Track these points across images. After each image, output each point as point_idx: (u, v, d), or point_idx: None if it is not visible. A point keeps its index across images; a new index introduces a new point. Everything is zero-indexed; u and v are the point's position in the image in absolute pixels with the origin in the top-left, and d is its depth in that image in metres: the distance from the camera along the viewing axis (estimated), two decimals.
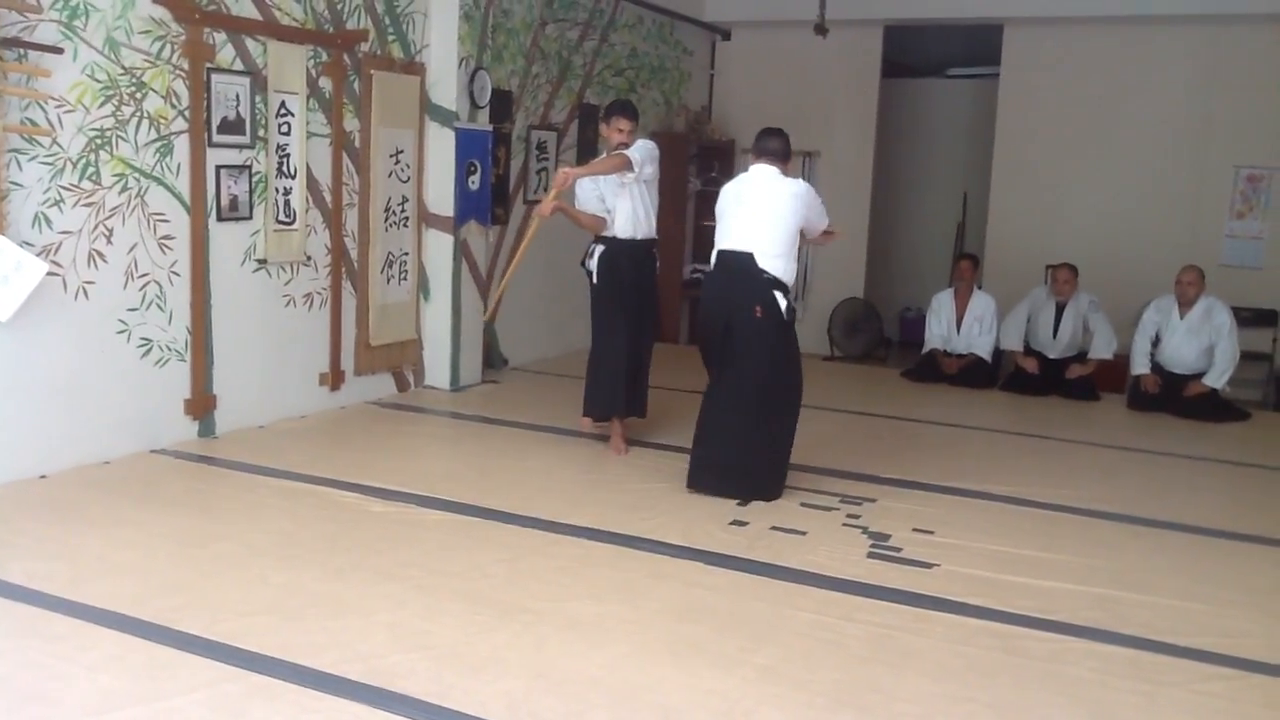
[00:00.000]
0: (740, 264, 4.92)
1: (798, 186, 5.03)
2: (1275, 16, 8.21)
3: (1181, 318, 7.34)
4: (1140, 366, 7.45)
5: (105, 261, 4.97)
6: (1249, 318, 8.21)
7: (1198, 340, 7.29)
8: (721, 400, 5.00)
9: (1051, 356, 7.83)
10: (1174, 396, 7.26)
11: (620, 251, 5.62)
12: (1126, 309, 8.17)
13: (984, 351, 7.97)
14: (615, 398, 5.67)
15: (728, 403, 4.97)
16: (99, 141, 4.88)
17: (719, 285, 5.03)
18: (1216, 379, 7.19)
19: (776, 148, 5.05)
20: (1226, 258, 8.70)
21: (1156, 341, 7.46)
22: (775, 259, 4.90)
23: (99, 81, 4.85)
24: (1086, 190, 9.14)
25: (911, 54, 10.49)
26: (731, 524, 4.64)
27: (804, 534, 4.55)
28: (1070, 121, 9.13)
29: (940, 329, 8.15)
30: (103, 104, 4.88)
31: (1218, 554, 4.57)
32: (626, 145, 5.46)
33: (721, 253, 5.02)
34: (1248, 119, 8.60)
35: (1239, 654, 3.55)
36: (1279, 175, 8.60)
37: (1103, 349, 7.72)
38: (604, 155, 5.60)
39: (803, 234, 5.10)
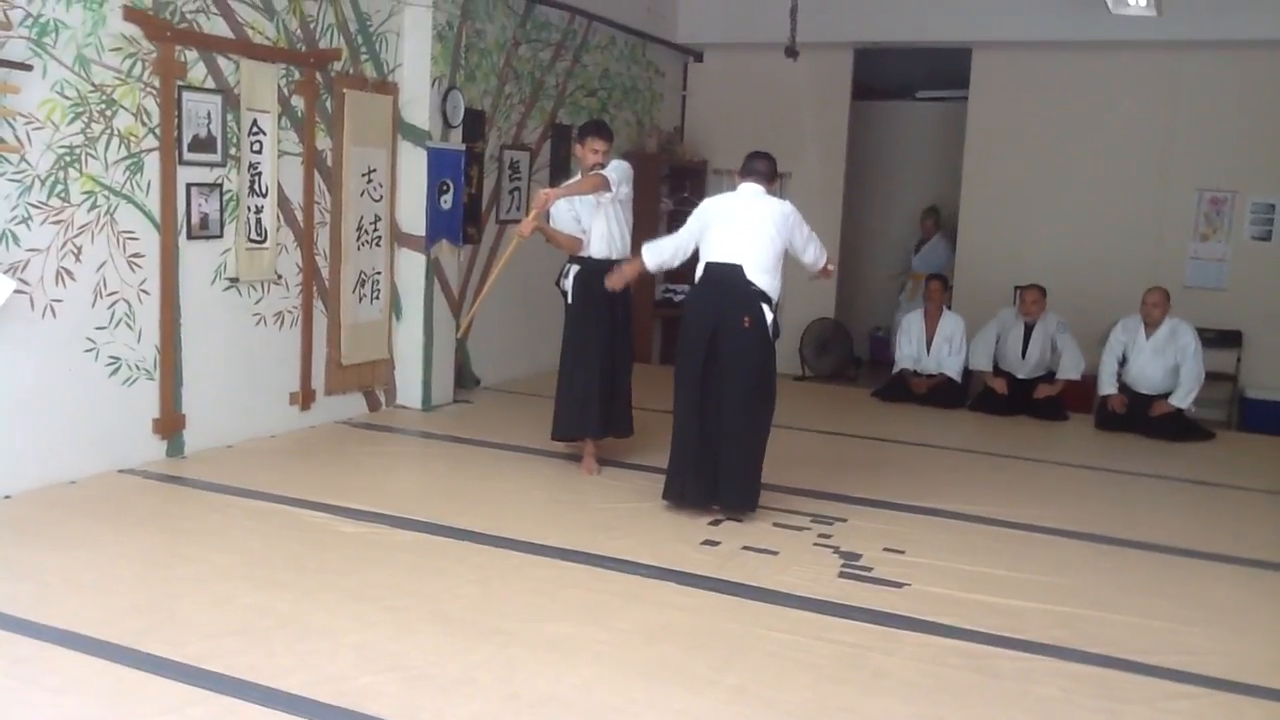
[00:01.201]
0: (729, 276, 4.99)
1: (785, 206, 5.16)
2: (1235, 43, 8.36)
3: (1148, 338, 7.43)
4: (1107, 387, 7.53)
5: (74, 279, 4.94)
6: (1213, 338, 8.31)
7: (1163, 360, 7.38)
8: (700, 412, 5.01)
9: (1020, 377, 7.91)
10: (1141, 416, 7.34)
11: (595, 271, 5.62)
12: (1093, 329, 8.27)
13: (953, 372, 8.03)
14: (584, 419, 5.68)
15: (707, 414, 4.99)
16: (68, 159, 4.85)
17: (706, 297, 5.09)
18: (1182, 399, 7.28)
19: (763, 168, 5.20)
20: (1191, 279, 8.82)
21: (1123, 362, 7.55)
22: (762, 273, 4.99)
23: (68, 98, 4.82)
24: (1054, 212, 9.24)
25: (881, 77, 10.59)
26: (703, 544, 4.65)
27: (776, 554, 4.57)
28: (1037, 144, 9.24)
29: (910, 349, 8.21)
30: (72, 121, 4.85)
31: (1183, 573, 4.62)
32: (601, 166, 5.48)
33: (709, 265, 5.09)
34: (1209, 143, 8.74)
35: (1203, 672, 3.59)
36: (1240, 198, 8.73)
37: (1071, 369, 7.80)
38: (580, 176, 5.62)
39: (800, 262, 5.21)
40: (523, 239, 5.48)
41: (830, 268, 5.44)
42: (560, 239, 5.67)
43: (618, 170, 5.50)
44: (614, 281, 5.39)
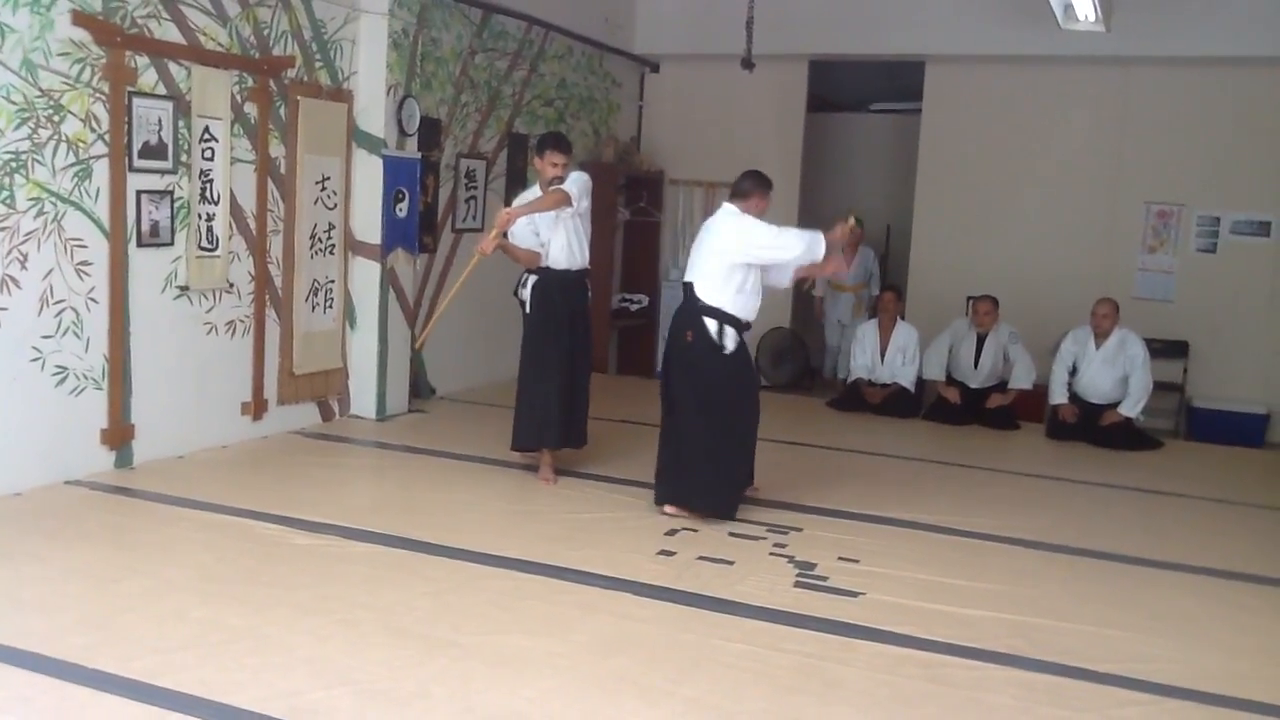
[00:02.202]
0: (685, 293, 5.25)
1: (734, 220, 5.17)
2: (1182, 59, 8.52)
3: (1097, 349, 7.54)
4: (1058, 396, 7.63)
5: (19, 287, 4.84)
6: (1161, 349, 8.44)
7: (1113, 370, 7.49)
8: (670, 420, 5.29)
9: (973, 386, 7.99)
10: (1091, 425, 7.45)
11: (553, 281, 5.62)
12: (1045, 340, 8.37)
13: (907, 381, 8.10)
14: (544, 429, 5.66)
15: (675, 422, 5.25)
16: (14, 164, 4.77)
17: (675, 314, 5.37)
18: (1131, 408, 7.39)
19: (739, 187, 5.30)
20: (1139, 290, 8.96)
21: (1074, 372, 7.65)
22: (712, 289, 5.13)
23: (14, 104, 4.74)
24: (1006, 224, 9.36)
25: (836, 89, 10.68)
26: (659, 554, 4.64)
27: (731, 563, 4.57)
28: (990, 156, 9.35)
29: (864, 359, 8.26)
30: (18, 126, 4.77)
31: (1133, 580, 4.69)
32: (560, 179, 5.47)
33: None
34: (1157, 157, 8.89)
35: (1154, 679, 3.63)
36: (1187, 211, 8.89)
37: (1022, 379, 7.89)
38: (538, 192, 5.58)
39: (782, 266, 5.27)
40: (484, 256, 5.46)
41: (829, 263, 5.34)
42: (520, 254, 5.65)
43: (577, 183, 5.49)
44: None
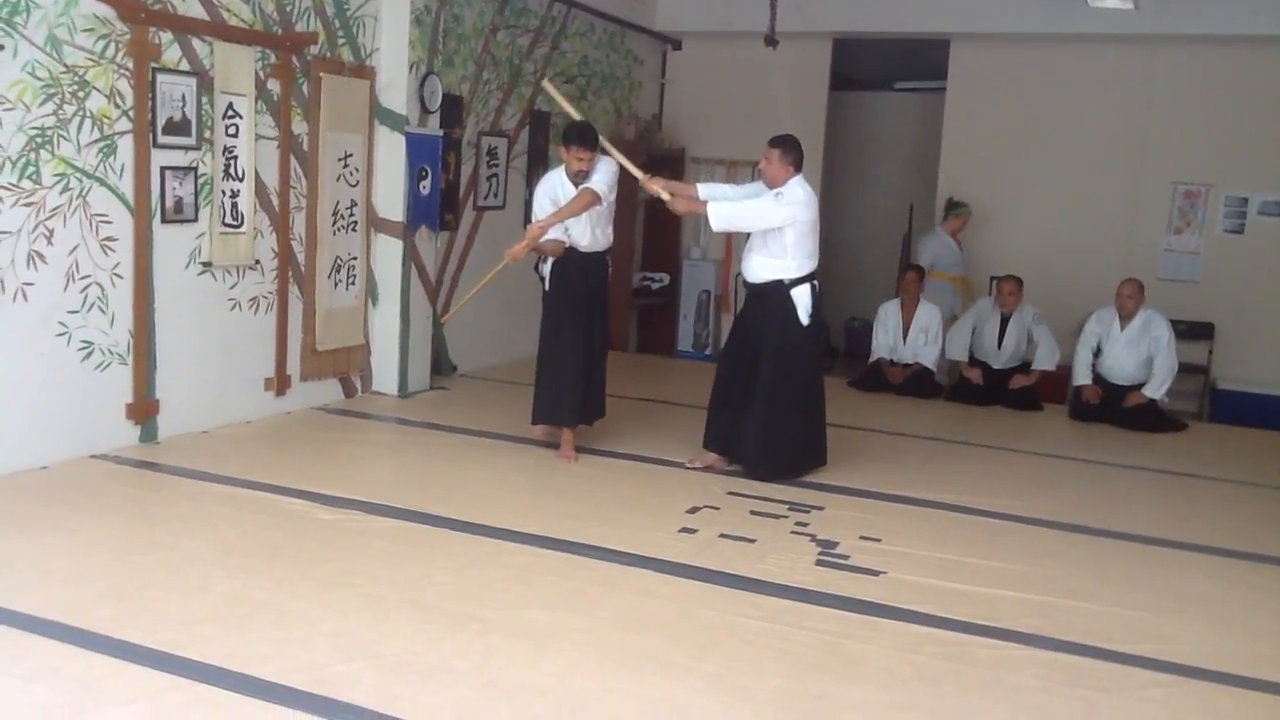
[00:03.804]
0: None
1: None
2: (1211, 38, 8.41)
3: (1122, 330, 7.48)
4: (1082, 377, 7.58)
5: (45, 263, 4.87)
6: (1185, 330, 8.37)
7: (1137, 352, 7.44)
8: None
9: (996, 367, 7.94)
10: (1114, 407, 7.40)
11: (573, 259, 5.63)
12: (1068, 321, 8.31)
13: (929, 361, 8.06)
14: (564, 405, 5.66)
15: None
16: (39, 140, 4.79)
17: None
18: (1155, 390, 7.34)
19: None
20: (1165, 271, 8.89)
21: (1098, 353, 7.60)
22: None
23: (40, 79, 4.76)
24: (1030, 203, 9.28)
25: (859, 67, 10.59)
26: (681, 531, 4.65)
27: (753, 541, 4.57)
28: (1014, 135, 9.27)
29: (886, 339, 8.23)
30: (44, 102, 4.78)
31: (1156, 562, 4.67)
32: (585, 174, 5.43)
33: None
34: (1184, 137, 8.80)
35: (1176, 660, 3.63)
36: (1214, 192, 8.80)
37: (1046, 360, 7.84)
38: (563, 176, 5.55)
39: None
40: (515, 261, 5.49)
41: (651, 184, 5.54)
42: (548, 248, 5.63)
43: (605, 179, 5.45)
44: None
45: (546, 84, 6.14)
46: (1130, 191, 9.00)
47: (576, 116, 5.64)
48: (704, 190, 5.62)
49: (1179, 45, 8.65)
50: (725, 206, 5.37)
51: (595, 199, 5.38)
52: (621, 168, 5.54)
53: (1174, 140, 8.83)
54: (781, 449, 5.49)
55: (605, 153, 5.55)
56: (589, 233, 5.60)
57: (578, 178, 5.45)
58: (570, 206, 5.39)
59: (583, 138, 5.46)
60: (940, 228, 8.98)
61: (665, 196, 5.51)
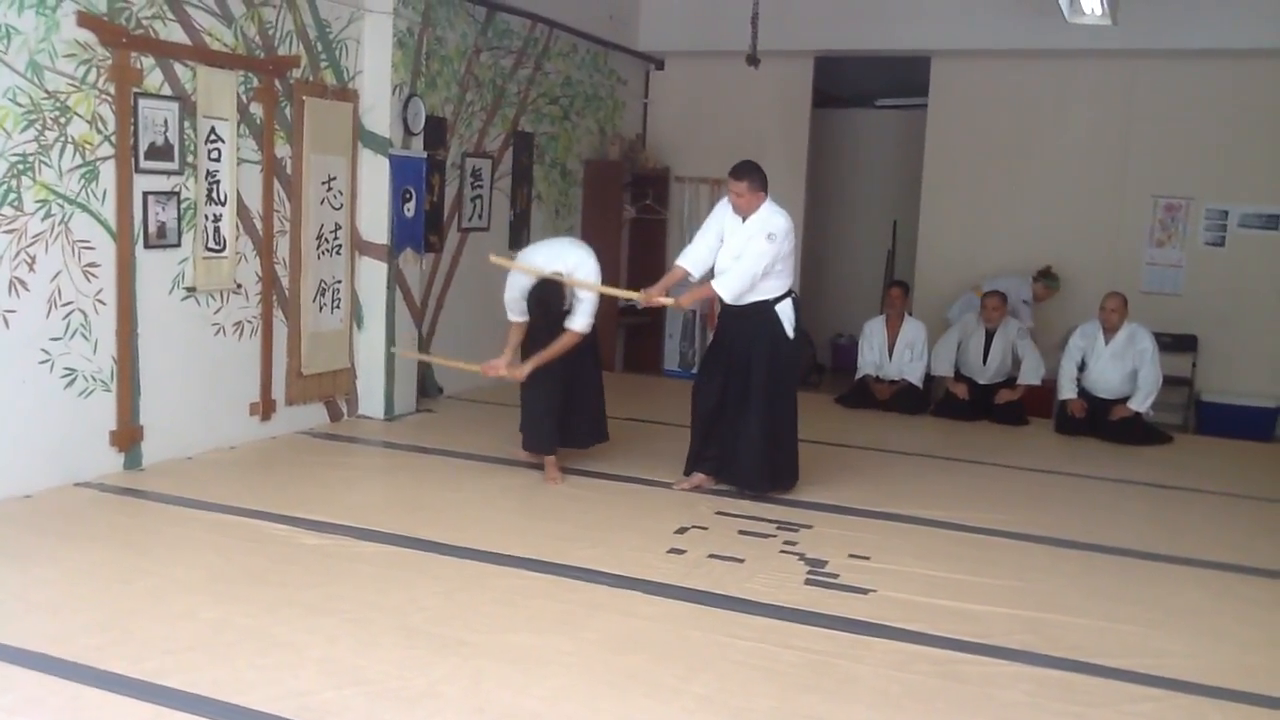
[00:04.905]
0: None
1: None
2: (1190, 52, 8.48)
3: (1106, 343, 7.51)
4: (1067, 391, 7.61)
5: (27, 289, 4.85)
6: (1169, 343, 8.41)
7: (1122, 365, 7.47)
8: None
9: (981, 382, 7.97)
10: (1100, 421, 7.42)
11: (548, 285, 5.53)
12: (1053, 335, 8.34)
13: (915, 378, 8.08)
14: (541, 432, 5.67)
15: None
16: (21, 167, 4.77)
17: None
18: (1140, 403, 7.37)
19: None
20: (1147, 284, 8.93)
21: (1082, 367, 7.63)
22: None
23: (21, 105, 4.74)
24: (1013, 218, 9.32)
25: (841, 85, 10.65)
26: (669, 552, 4.64)
27: (741, 561, 4.56)
28: (996, 151, 9.32)
29: (872, 355, 8.25)
30: (25, 128, 4.77)
31: (1143, 575, 4.67)
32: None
33: None
34: (1165, 150, 8.86)
35: (1166, 674, 3.62)
36: (1195, 205, 8.86)
37: (1031, 375, 7.87)
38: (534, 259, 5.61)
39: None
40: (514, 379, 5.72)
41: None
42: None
43: (586, 316, 5.55)
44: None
45: (493, 257, 5.86)
46: (1112, 205, 9.05)
47: (546, 273, 5.52)
48: (686, 264, 5.55)
49: (1158, 60, 8.72)
50: (730, 279, 5.38)
51: (577, 340, 5.53)
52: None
53: (1154, 154, 8.89)
54: (778, 460, 5.50)
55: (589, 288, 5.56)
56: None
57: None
58: (553, 349, 5.51)
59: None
60: (974, 292, 8.64)
61: (670, 303, 5.66)
